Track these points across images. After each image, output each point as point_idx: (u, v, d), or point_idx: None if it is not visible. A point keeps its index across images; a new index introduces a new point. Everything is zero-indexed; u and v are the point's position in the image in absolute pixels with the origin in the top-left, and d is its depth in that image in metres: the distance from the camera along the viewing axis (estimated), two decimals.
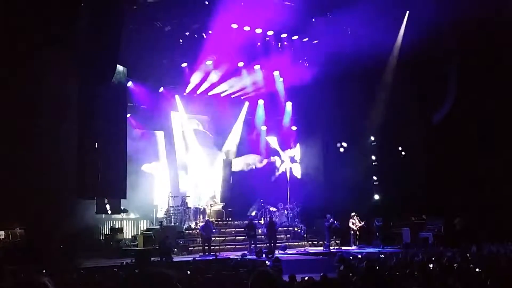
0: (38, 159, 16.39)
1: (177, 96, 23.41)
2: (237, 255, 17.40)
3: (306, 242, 20.87)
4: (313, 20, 21.29)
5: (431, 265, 10.02)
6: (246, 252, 18.16)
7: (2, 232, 16.45)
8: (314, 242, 21.62)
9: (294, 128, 25.77)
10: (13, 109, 16.18)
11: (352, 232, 21.39)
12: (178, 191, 22.43)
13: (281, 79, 24.62)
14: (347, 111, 22.81)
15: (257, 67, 23.79)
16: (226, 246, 19.86)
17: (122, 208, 18.83)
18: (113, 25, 15.50)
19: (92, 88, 16.00)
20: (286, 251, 19.17)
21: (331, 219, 20.41)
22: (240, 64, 23.10)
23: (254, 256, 17.17)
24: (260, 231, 20.19)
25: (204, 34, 20.67)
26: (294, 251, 19.59)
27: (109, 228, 20.35)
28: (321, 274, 8.38)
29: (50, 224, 16.40)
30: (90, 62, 15.60)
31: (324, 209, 21.41)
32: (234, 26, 20.54)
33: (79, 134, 16.02)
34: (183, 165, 23.60)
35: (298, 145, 25.47)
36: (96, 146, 15.95)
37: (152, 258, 16.02)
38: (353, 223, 21.32)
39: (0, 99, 15.95)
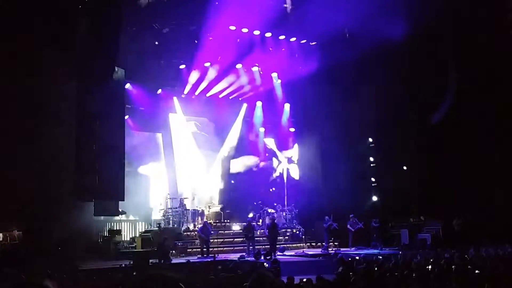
0: (36, 161, 16.37)
1: (175, 98, 23.40)
2: (235, 257, 17.39)
3: (304, 244, 20.87)
4: (311, 21, 21.29)
5: (430, 267, 10.03)
6: (244, 254, 18.15)
7: (0, 235, 16.44)
8: (313, 244, 21.62)
9: (292, 129, 25.80)
10: (12, 110, 16.16)
11: (350, 233, 21.38)
12: (176, 193, 22.41)
13: (279, 80, 24.66)
14: (346, 112, 22.83)
15: (255, 68, 23.83)
16: (225, 248, 19.85)
17: (120, 210, 18.78)
18: (111, 27, 15.51)
19: (90, 89, 15.97)
20: (284, 253, 19.17)
21: (330, 221, 20.39)
22: (238, 65, 23.13)
23: (253, 258, 17.15)
24: (259, 233, 20.16)
25: (202, 36, 20.67)
26: (293, 253, 19.58)
27: (107, 230, 20.29)
28: (317, 275, 8.39)
29: (48, 226, 16.37)
30: (88, 63, 15.62)
31: (322, 211, 21.39)
32: (232, 28, 20.59)
33: (77, 136, 15.98)
34: (181, 167, 23.59)
35: (296, 145, 25.49)
36: (94, 148, 15.89)
37: (151, 260, 16.00)
38: (351, 225, 21.33)
39: None
